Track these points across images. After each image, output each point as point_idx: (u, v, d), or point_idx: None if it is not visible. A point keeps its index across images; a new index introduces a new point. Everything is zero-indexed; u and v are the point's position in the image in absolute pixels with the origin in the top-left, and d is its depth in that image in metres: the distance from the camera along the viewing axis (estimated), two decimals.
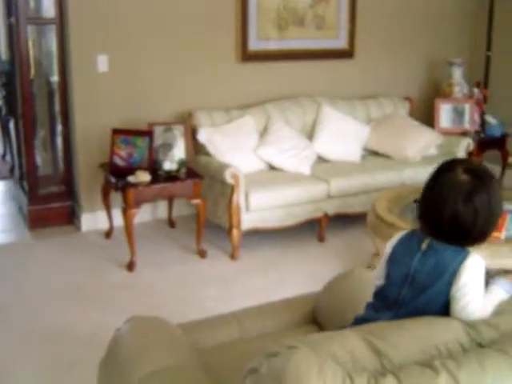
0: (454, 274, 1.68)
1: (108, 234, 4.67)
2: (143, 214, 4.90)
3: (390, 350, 1.45)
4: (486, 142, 5.71)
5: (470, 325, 1.59)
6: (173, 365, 1.87)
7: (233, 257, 4.32)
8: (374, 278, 1.91)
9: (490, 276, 1.83)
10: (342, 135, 5.08)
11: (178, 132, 4.42)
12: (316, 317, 2.47)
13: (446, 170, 1.71)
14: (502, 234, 3.29)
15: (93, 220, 4.83)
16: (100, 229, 4.77)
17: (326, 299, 2.45)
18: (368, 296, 1.94)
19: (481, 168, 1.74)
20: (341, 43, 5.56)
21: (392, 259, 1.84)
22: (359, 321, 1.84)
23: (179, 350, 1.97)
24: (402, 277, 1.77)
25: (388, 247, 1.86)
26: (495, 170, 5.91)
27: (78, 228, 4.85)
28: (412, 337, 1.52)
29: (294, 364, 1.31)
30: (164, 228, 4.91)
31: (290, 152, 4.72)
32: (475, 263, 1.69)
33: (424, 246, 1.74)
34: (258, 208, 4.29)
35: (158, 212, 5.06)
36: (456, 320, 1.61)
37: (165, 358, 1.90)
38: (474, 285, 1.68)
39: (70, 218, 4.96)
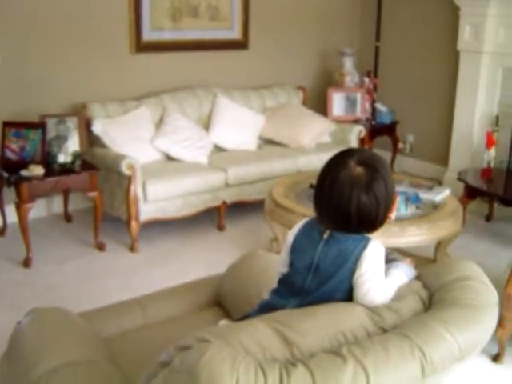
0: (355, 261, 1.73)
1: (1, 231, 4.51)
2: (38, 210, 4.76)
3: (299, 338, 1.50)
4: (377, 129, 5.94)
5: (374, 310, 1.66)
6: (77, 358, 1.84)
7: (132, 249, 4.29)
8: (279, 266, 1.93)
9: (390, 260, 1.91)
10: (238, 125, 5.15)
11: (72, 124, 4.34)
12: (220, 299, 2.50)
13: (339, 167, 1.72)
14: (393, 215, 3.43)
15: None
16: None
17: (229, 281, 2.48)
18: (271, 277, 1.98)
19: (371, 156, 1.77)
20: (235, 34, 5.62)
21: (295, 248, 1.86)
22: (265, 307, 1.86)
23: (83, 342, 1.94)
24: (307, 266, 1.79)
25: (290, 236, 1.88)
26: (386, 155, 6.17)
27: None
28: (319, 324, 1.57)
29: (207, 359, 1.32)
30: (60, 223, 4.81)
31: (186, 142, 4.74)
32: (375, 249, 1.74)
33: (326, 235, 1.77)
34: (156, 199, 4.29)
35: (54, 207, 4.94)
36: (360, 306, 1.67)
37: (68, 351, 1.86)
38: (375, 271, 1.74)
39: None
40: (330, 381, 1.37)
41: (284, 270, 1.89)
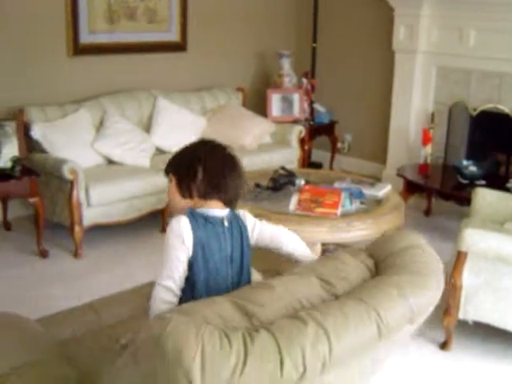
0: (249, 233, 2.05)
1: None
2: None
3: (257, 309, 1.54)
4: (316, 129, 6.02)
5: (323, 279, 1.72)
6: (33, 359, 1.80)
7: (76, 255, 4.22)
8: (169, 270, 1.89)
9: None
10: (179, 127, 5.13)
11: (11, 129, 4.22)
12: None
13: (208, 158, 1.97)
14: (338, 211, 3.49)
15: None
16: None
17: None
18: None
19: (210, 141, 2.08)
20: (173, 36, 5.60)
21: (200, 247, 1.87)
22: None
23: (36, 344, 1.91)
24: (223, 260, 1.90)
25: (186, 236, 1.86)
26: (325, 155, 6.27)
27: None
28: (276, 295, 1.62)
29: (171, 329, 1.34)
30: None
31: (127, 145, 4.69)
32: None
33: (226, 222, 1.95)
34: (100, 203, 4.23)
35: None
36: (313, 277, 1.73)
37: (24, 352, 1.83)
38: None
39: None
40: (293, 342, 1.41)
41: (180, 274, 1.87)
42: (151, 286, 2.60)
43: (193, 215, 1.89)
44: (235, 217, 2.02)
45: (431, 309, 1.82)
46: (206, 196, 1.94)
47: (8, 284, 3.82)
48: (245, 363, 1.32)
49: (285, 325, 1.46)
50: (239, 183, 2.00)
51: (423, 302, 1.73)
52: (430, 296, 1.77)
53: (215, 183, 1.94)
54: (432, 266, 1.84)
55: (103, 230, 4.45)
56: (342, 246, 3.91)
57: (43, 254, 4.20)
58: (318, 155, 6.42)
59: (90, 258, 4.22)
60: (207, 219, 1.91)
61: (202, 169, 1.93)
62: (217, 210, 1.95)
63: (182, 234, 1.84)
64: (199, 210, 1.92)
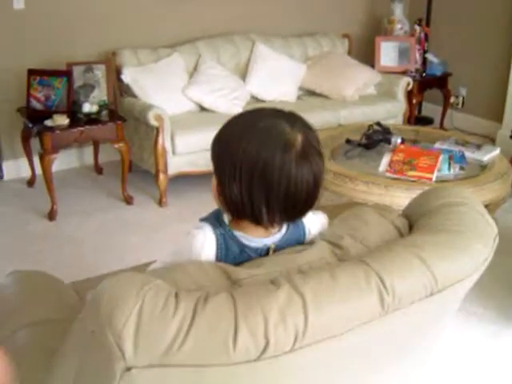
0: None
1: (30, 182, 4.42)
2: (70, 160, 4.67)
3: (244, 275, 1.22)
4: (427, 82, 5.56)
5: (335, 243, 1.36)
6: (52, 317, 1.69)
7: (160, 203, 4.13)
8: None
9: None
10: (277, 74, 4.87)
11: (100, 72, 4.15)
12: None
13: (247, 139, 1.28)
14: (434, 176, 3.15)
15: (15, 168, 4.56)
16: (23, 177, 4.51)
17: None
18: None
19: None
20: None
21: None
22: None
23: (61, 305, 1.80)
24: None
25: (201, 260, 1.34)
26: (436, 110, 5.81)
27: (1, 177, 4.58)
28: (275, 261, 1.29)
29: (112, 283, 1.09)
30: (91, 175, 4.67)
31: (221, 92, 4.49)
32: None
33: (272, 251, 1.38)
34: (186, 151, 4.09)
35: (85, 158, 4.81)
36: (325, 242, 1.38)
37: (45, 311, 1.73)
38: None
39: None
40: (254, 307, 1.08)
41: None
42: None
43: (224, 238, 1.34)
44: (294, 232, 1.43)
45: (467, 283, 1.36)
46: (237, 215, 1.33)
47: (90, 229, 3.80)
48: (188, 331, 1.03)
49: (254, 289, 1.13)
50: (306, 186, 1.27)
51: (453, 270, 1.29)
52: (466, 263, 1.32)
53: (248, 193, 1.26)
54: (477, 227, 1.38)
55: (189, 179, 4.33)
56: None
57: (128, 201, 4.14)
58: (430, 110, 5.96)
59: (173, 208, 4.12)
60: (243, 248, 1.36)
61: (236, 163, 1.26)
62: (257, 238, 1.36)
63: (199, 257, 1.34)
64: (235, 232, 1.35)
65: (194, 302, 1.07)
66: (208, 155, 4.45)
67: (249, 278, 1.20)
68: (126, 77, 4.28)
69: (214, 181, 1.35)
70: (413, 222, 1.47)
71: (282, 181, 1.23)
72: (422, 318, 1.33)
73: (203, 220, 1.39)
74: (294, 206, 1.28)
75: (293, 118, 1.30)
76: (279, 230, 1.38)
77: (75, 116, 3.93)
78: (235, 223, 1.35)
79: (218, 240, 1.33)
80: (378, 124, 3.65)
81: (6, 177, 4.55)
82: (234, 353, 1.05)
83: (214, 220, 1.36)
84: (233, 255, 1.34)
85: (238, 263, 1.31)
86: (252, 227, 1.33)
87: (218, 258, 1.33)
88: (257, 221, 1.29)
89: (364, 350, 1.27)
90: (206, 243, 1.32)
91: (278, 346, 1.08)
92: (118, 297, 1.05)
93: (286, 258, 1.30)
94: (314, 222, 1.46)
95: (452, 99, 5.77)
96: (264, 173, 1.23)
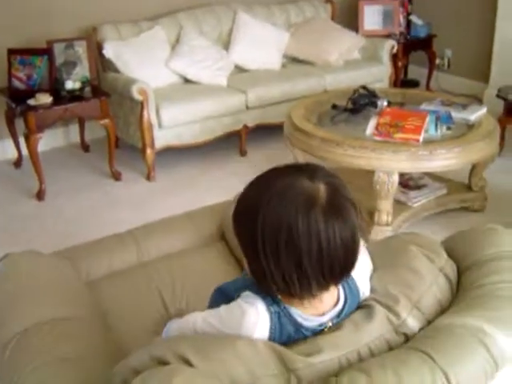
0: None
1: (17, 163, 4.38)
2: (56, 139, 4.63)
3: (301, 362, 1.15)
4: (412, 44, 5.55)
5: (391, 308, 1.29)
6: (56, 315, 1.60)
7: (148, 178, 4.11)
8: None
9: None
10: (261, 43, 4.82)
11: (81, 48, 4.10)
12: (224, 231, 2.28)
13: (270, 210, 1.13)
14: (421, 137, 3.14)
15: (1, 150, 4.51)
16: (10, 159, 4.46)
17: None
18: None
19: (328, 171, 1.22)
20: None
21: None
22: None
23: (61, 296, 1.74)
24: None
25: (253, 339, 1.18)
26: (422, 72, 5.79)
27: None
28: (333, 343, 1.21)
29: None
30: (77, 153, 4.64)
31: (204, 63, 4.45)
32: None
33: (331, 323, 1.25)
34: (172, 124, 4.06)
35: (71, 136, 4.76)
36: (381, 307, 1.29)
37: (44, 307, 1.63)
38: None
39: None
40: None
41: None
42: (204, 212, 2.41)
43: (279, 316, 1.20)
44: (351, 302, 1.29)
45: None
46: (285, 293, 1.19)
47: (79, 207, 3.79)
48: None
49: None
50: (342, 242, 1.12)
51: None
52: None
53: (276, 265, 1.13)
54: None
55: (177, 153, 4.31)
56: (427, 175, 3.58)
57: (116, 177, 4.12)
58: (415, 72, 5.93)
59: (162, 182, 4.10)
60: (299, 327, 1.22)
61: (257, 234, 1.13)
62: (314, 317, 1.22)
63: (251, 336, 1.19)
64: (291, 309, 1.21)
65: None
66: (195, 127, 4.44)
67: (306, 369, 1.13)
68: (108, 52, 4.23)
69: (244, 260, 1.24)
70: (461, 267, 1.41)
71: (311, 244, 1.09)
72: None
73: (250, 287, 1.24)
74: (331, 268, 1.13)
75: (311, 169, 1.17)
76: (336, 305, 1.25)
77: (58, 94, 3.88)
78: (286, 298, 1.20)
79: (272, 319, 1.19)
80: (364, 88, 3.63)
81: None
82: None
83: (266, 293, 1.21)
84: (287, 334, 1.21)
85: (291, 342, 1.20)
86: (305, 300, 1.19)
87: (271, 338, 1.19)
88: (290, 294, 1.16)
89: None
90: (259, 323, 1.18)
91: None
92: None
93: (344, 340, 1.21)
94: (362, 273, 1.34)
95: (437, 61, 5.74)
96: (290, 238, 1.09)
